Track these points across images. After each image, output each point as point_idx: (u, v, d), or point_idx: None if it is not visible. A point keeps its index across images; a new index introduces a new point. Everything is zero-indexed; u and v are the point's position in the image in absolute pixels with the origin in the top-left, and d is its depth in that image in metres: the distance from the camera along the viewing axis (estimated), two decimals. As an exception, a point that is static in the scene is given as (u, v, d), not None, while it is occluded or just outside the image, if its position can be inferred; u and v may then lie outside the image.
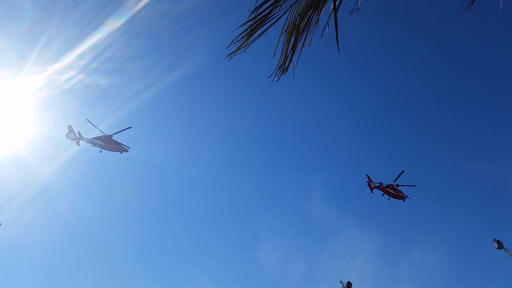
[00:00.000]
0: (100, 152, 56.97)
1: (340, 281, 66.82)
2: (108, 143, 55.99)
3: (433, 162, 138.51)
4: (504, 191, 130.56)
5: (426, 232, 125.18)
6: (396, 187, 62.24)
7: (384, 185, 61.77)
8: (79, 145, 56.76)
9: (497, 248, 62.08)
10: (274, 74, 5.37)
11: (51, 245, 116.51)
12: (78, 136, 55.92)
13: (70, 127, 55.64)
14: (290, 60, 5.30)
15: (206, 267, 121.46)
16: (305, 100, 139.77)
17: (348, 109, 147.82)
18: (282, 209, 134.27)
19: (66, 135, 55.77)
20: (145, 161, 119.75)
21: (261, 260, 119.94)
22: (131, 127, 58.02)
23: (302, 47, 5.27)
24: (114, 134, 56.52)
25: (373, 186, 61.82)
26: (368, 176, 62.70)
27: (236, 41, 5.29)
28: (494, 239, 63.17)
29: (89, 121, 55.85)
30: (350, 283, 65.84)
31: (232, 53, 5.34)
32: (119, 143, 56.86)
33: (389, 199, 62.28)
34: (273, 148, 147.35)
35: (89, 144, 56.82)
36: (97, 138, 55.77)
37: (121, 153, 57.87)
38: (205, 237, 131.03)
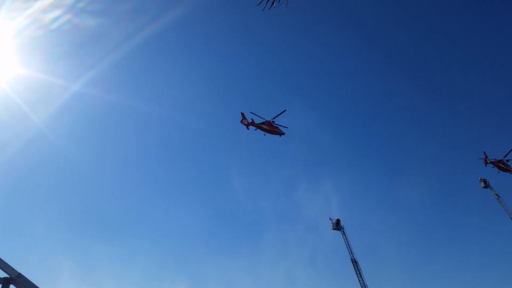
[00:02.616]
0: (264, 135, 68.16)
1: (330, 218, 71.38)
2: (270, 127, 67.26)
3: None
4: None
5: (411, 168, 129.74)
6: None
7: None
8: (248, 129, 67.02)
9: (483, 187, 64.51)
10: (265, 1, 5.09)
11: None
12: (250, 122, 66.16)
13: (242, 114, 66.79)
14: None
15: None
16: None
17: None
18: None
19: (241, 121, 66.61)
20: (141, 110, 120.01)
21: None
22: (285, 110, 67.97)
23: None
24: (273, 119, 67.35)
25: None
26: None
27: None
28: (481, 179, 65.40)
29: (253, 113, 66.52)
30: (339, 220, 70.34)
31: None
32: (278, 127, 68.07)
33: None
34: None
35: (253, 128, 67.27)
36: (263, 123, 66.72)
37: (280, 136, 69.03)
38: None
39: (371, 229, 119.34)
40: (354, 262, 65.49)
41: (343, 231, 68.43)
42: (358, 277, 64.18)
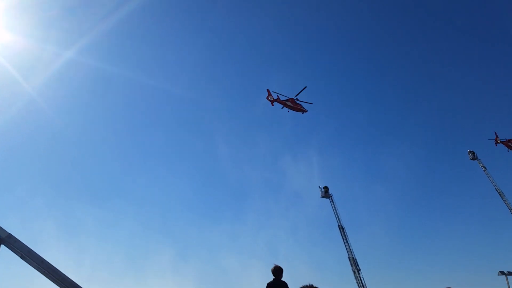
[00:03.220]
0: (288, 112, 68.30)
1: (319, 186, 71.75)
2: (294, 104, 67.15)
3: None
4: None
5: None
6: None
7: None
8: (273, 105, 66.97)
9: (471, 159, 65.31)
10: None
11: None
12: (275, 98, 66.15)
13: (268, 90, 66.83)
14: None
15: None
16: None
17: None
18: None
19: (267, 97, 66.55)
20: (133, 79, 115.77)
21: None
22: (306, 87, 67.85)
23: None
24: (296, 96, 67.53)
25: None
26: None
27: None
28: (469, 151, 66.10)
29: (275, 92, 66.72)
30: (327, 187, 70.93)
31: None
32: (301, 104, 68.01)
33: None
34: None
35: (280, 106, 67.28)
36: (287, 100, 66.90)
37: (302, 113, 69.05)
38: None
39: (356, 200, 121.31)
40: (341, 228, 66.32)
41: (331, 199, 68.82)
42: (344, 242, 65.21)
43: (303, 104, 69.05)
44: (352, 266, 63.50)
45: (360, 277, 60.99)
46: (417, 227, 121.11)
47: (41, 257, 11.04)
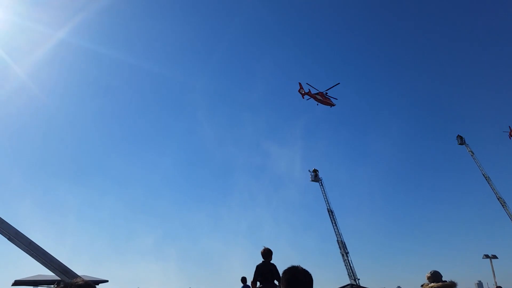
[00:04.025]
0: (317, 105, 69.06)
1: (309, 170, 72.27)
2: (324, 98, 67.55)
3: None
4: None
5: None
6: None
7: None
8: (303, 98, 67.31)
9: (459, 144, 66.12)
10: None
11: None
12: (307, 91, 66.37)
13: (300, 84, 67.56)
14: None
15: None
16: None
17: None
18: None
19: (299, 90, 67.10)
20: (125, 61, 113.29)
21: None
22: (339, 83, 68.88)
23: None
24: (327, 90, 67.82)
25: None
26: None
27: None
28: (458, 135, 66.85)
29: (308, 84, 66.88)
30: (316, 170, 71.53)
31: None
32: (329, 98, 68.44)
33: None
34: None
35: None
36: (317, 93, 67.17)
37: (330, 106, 70.10)
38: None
39: (342, 183, 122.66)
40: (330, 212, 67.11)
41: (321, 182, 69.32)
42: (333, 226, 66.09)
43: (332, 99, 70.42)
44: (340, 249, 64.62)
45: (348, 260, 62.09)
46: (404, 209, 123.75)
47: (29, 239, 10.88)
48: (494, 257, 47.59)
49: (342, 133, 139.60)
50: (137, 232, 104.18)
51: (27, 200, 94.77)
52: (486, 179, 61.55)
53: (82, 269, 23.15)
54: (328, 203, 67.80)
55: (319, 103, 69.46)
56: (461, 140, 66.33)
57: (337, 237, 65.62)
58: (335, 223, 66.31)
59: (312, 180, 69.68)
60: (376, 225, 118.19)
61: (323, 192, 68.54)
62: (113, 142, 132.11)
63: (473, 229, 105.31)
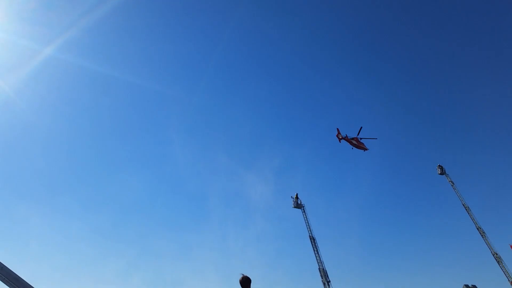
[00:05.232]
0: (352, 149, 73.16)
1: (291, 196, 71.47)
2: (358, 142, 72.51)
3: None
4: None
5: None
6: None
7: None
8: (340, 142, 72.18)
9: (439, 174, 67.04)
10: None
11: None
12: (344, 136, 71.50)
13: (338, 129, 73.23)
14: None
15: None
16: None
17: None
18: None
19: (337, 135, 71.66)
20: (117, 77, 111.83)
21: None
22: (376, 138, 76.84)
23: None
24: (358, 135, 72.70)
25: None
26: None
27: None
28: (438, 165, 67.87)
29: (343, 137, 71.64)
30: (297, 195, 70.95)
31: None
32: (363, 143, 73.31)
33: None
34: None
35: None
36: (353, 138, 72.10)
37: (364, 151, 73.99)
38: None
39: (323, 212, 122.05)
40: (312, 239, 65.94)
41: (303, 209, 68.46)
42: (315, 253, 64.76)
43: (368, 141, 75.90)
44: (322, 278, 63.09)
45: (330, 289, 60.60)
46: (384, 238, 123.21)
47: (1, 263, 9.52)
48: (474, 287, 47.45)
49: (319, 166, 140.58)
50: (102, 259, 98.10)
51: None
52: (466, 209, 62.21)
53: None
54: (310, 230, 66.76)
55: (353, 147, 74.23)
56: (441, 170, 67.36)
57: (318, 265, 64.21)
58: (317, 250, 65.13)
59: (294, 207, 68.73)
60: (356, 254, 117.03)
61: (305, 218, 67.58)
62: (84, 161, 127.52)
63: (454, 259, 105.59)
